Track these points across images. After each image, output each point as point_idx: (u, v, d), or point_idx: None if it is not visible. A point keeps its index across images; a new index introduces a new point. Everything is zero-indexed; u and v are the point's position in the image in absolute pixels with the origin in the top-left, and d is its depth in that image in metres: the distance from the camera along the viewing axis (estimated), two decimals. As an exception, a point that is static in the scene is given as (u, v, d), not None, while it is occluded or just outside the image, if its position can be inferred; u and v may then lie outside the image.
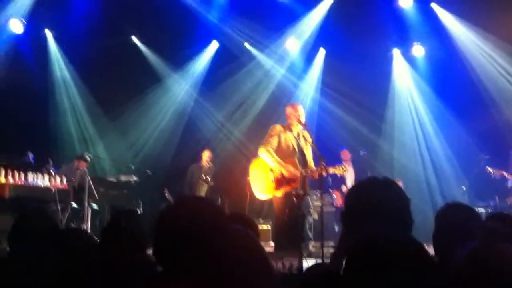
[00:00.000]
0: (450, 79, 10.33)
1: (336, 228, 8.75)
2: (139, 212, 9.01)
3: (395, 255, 1.45)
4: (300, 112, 6.70)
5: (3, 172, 7.00)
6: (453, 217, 2.72)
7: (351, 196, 2.22)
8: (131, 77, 10.92)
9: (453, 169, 10.60)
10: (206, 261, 1.72)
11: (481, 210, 8.70)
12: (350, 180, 9.02)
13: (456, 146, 10.58)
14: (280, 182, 6.49)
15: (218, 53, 11.57)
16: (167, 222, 1.81)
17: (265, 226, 8.52)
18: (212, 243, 1.75)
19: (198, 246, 1.73)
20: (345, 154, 9.38)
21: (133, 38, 11.47)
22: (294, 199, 6.45)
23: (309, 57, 11.55)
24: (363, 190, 2.17)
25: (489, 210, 8.63)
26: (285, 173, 6.43)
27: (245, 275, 1.80)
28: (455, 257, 1.77)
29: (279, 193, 6.51)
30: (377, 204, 2.03)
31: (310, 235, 9.55)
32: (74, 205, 8.19)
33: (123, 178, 9.29)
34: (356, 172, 9.14)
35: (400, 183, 8.88)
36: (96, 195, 8.20)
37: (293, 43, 11.14)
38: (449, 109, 10.65)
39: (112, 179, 9.20)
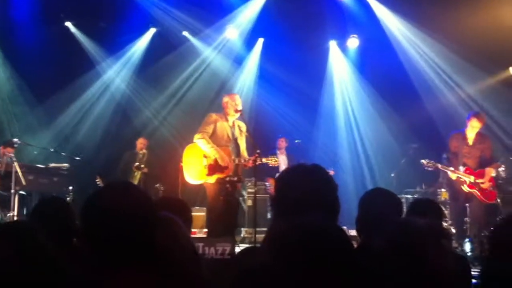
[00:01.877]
0: (383, 71, 10.63)
1: (269, 215, 8.87)
2: (68, 200, 8.80)
3: (315, 240, 1.49)
4: (237, 101, 6.80)
5: None
6: (374, 203, 2.84)
7: (280, 183, 2.26)
8: (64, 63, 10.57)
9: (383, 157, 10.96)
10: (135, 248, 1.70)
11: (408, 196, 9.08)
12: (283, 168, 9.14)
13: (387, 136, 10.95)
14: (213, 168, 6.54)
15: (155, 40, 11.38)
16: (93, 209, 1.77)
17: (200, 213, 8.53)
18: (140, 229, 1.73)
19: (125, 233, 1.70)
20: (281, 143, 9.52)
21: (68, 24, 11.09)
22: (228, 186, 6.53)
23: (247, 46, 11.56)
24: (291, 177, 2.21)
25: (415, 196, 9.02)
26: (220, 160, 6.48)
27: (172, 263, 1.80)
28: (375, 239, 1.84)
29: (211, 179, 6.57)
30: (304, 190, 2.07)
31: (244, 221, 9.68)
32: (0, 191, 7.91)
33: (53, 165, 9.01)
34: (291, 160, 9.28)
35: (332, 172, 9.11)
36: (24, 181, 7.90)
37: (232, 32, 11.11)
38: (382, 100, 11.01)
39: (41, 166, 8.89)
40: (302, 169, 2.21)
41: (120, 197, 1.75)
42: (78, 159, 9.56)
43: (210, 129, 6.66)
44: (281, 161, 9.02)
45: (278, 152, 9.24)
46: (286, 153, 9.50)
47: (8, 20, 10.24)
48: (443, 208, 6.88)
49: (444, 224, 6.50)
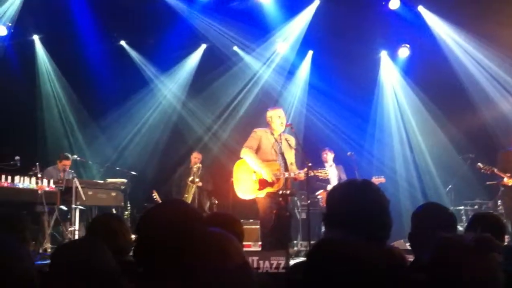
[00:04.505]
0: (435, 81, 10.43)
1: (323, 228, 8.81)
2: (127, 214, 9.06)
3: (340, 259, 1.51)
4: (281, 115, 6.80)
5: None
6: (425, 218, 2.79)
7: (330, 199, 2.28)
8: (119, 81, 10.91)
9: (439, 168, 10.71)
10: (183, 264, 1.74)
11: (468, 208, 8.82)
12: (334, 181, 9.06)
13: (443, 146, 10.70)
14: (263, 183, 6.54)
15: (205, 56, 11.60)
16: (147, 224, 1.84)
17: (254, 226, 8.57)
18: (188, 245, 1.78)
19: (175, 249, 1.75)
20: (324, 156, 9.40)
21: (122, 42, 11.47)
22: (280, 199, 6.53)
23: (296, 59, 11.59)
24: (341, 193, 2.22)
25: (475, 207, 8.76)
26: (265, 175, 6.47)
27: (220, 278, 1.83)
28: (425, 255, 1.83)
29: (262, 194, 6.55)
30: (354, 206, 2.07)
31: (298, 235, 9.66)
32: (62, 207, 8.21)
33: (110, 180, 9.31)
34: (340, 172, 9.19)
35: (383, 179, 8.97)
36: (83, 197, 8.19)
37: (281, 45, 11.19)
38: (435, 109, 10.78)
39: (100, 181, 9.21)
40: (352, 185, 2.21)
41: (170, 213, 1.81)
42: (134, 174, 9.84)
43: (255, 144, 6.68)
44: (331, 174, 8.96)
45: (326, 165, 9.16)
46: (335, 165, 9.39)
47: (61, 39, 10.67)
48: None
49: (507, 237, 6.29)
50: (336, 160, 9.49)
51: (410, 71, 11.27)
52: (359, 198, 2.13)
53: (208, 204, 9.66)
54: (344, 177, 9.15)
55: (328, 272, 1.48)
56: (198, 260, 1.74)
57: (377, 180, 8.60)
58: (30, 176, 7.69)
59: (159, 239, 1.75)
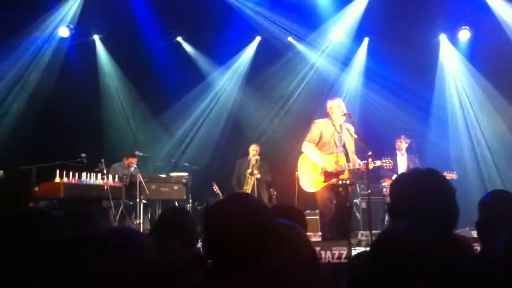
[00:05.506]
0: (498, 63, 10.00)
1: (386, 217, 8.68)
2: (189, 207, 9.26)
3: (404, 250, 1.49)
4: (341, 105, 6.79)
5: (58, 173, 7.36)
6: (493, 206, 2.69)
7: (395, 188, 2.26)
8: (177, 77, 11.10)
9: (505, 155, 10.31)
10: (255, 257, 1.77)
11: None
12: (402, 170, 8.84)
13: (508, 132, 10.28)
14: (329, 174, 6.55)
15: (261, 48, 11.60)
16: (217, 218, 1.86)
17: (313, 217, 8.57)
18: (261, 239, 1.80)
19: (247, 241, 1.77)
20: (399, 143, 9.15)
21: (179, 39, 11.66)
22: (341, 189, 6.50)
23: (353, 47, 11.41)
24: (406, 182, 2.20)
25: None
26: (328, 168, 6.48)
27: (293, 269, 1.85)
28: (495, 244, 1.77)
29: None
30: (419, 196, 2.05)
31: (359, 224, 9.57)
32: (126, 201, 8.49)
33: (173, 174, 9.52)
34: (411, 162, 8.92)
35: (454, 175, 8.58)
36: (147, 191, 8.43)
37: (337, 34, 11.05)
38: (499, 94, 10.35)
39: (163, 175, 9.44)
40: (417, 174, 2.19)
41: (237, 206, 1.84)
42: (195, 168, 10.02)
43: (316, 136, 6.71)
44: (400, 162, 8.79)
45: (398, 152, 8.96)
46: (407, 154, 9.16)
47: (126, 39, 10.98)
48: None
49: None
50: (408, 150, 9.23)
51: (471, 54, 10.85)
52: (423, 187, 2.10)
53: (267, 196, 9.71)
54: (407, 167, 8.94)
55: (391, 262, 1.47)
56: (271, 253, 1.77)
57: (449, 175, 8.28)
58: (96, 173, 7.99)
59: (233, 235, 1.76)
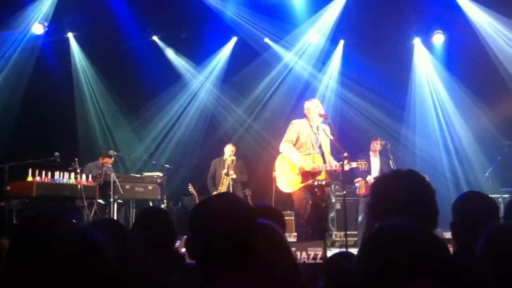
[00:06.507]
0: (472, 66, 10.22)
1: (360, 218, 8.75)
2: (163, 207, 9.19)
3: (400, 244, 1.50)
4: (319, 105, 6.85)
5: (30, 172, 7.25)
6: (469, 208, 2.73)
7: (376, 189, 2.28)
8: (152, 76, 11.04)
9: (477, 155, 10.52)
10: (250, 254, 1.75)
11: (505, 196, 8.65)
12: (375, 170, 8.93)
13: (479, 133, 10.50)
14: (306, 175, 6.59)
15: (237, 48, 11.59)
16: (205, 218, 1.81)
17: (289, 218, 8.59)
18: (253, 236, 1.79)
19: (231, 240, 1.75)
20: (375, 145, 9.20)
21: (155, 38, 11.58)
22: (317, 190, 6.55)
23: (329, 49, 11.50)
24: (388, 183, 2.22)
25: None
26: (306, 168, 6.53)
27: (272, 268, 1.86)
28: (476, 244, 1.81)
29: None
30: (400, 196, 2.08)
31: (332, 225, 9.64)
32: (100, 200, 8.40)
33: (147, 174, 9.45)
34: (384, 164, 9.01)
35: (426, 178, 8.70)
36: (122, 191, 8.35)
37: (313, 35, 11.12)
38: (472, 96, 10.55)
39: (137, 175, 9.36)
40: (398, 175, 2.21)
41: (226, 204, 1.82)
42: (170, 168, 9.96)
43: (294, 137, 6.77)
44: (374, 164, 8.87)
45: (372, 154, 9.03)
46: (379, 156, 9.22)
47: (100, 38, 10.85)
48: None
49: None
50: (382, 152, 9.29)
51: (445, 57, 11.05)
52: (408, 188, 2.13)
53: (242, 196, 9.71)
54: (386, 169, 8.99)
55: (392, 258, 1.47)
56: (259, 251, 1.76)
57: None
58: (70, 172, 7.89)
59: (229, 233, 1.73)
